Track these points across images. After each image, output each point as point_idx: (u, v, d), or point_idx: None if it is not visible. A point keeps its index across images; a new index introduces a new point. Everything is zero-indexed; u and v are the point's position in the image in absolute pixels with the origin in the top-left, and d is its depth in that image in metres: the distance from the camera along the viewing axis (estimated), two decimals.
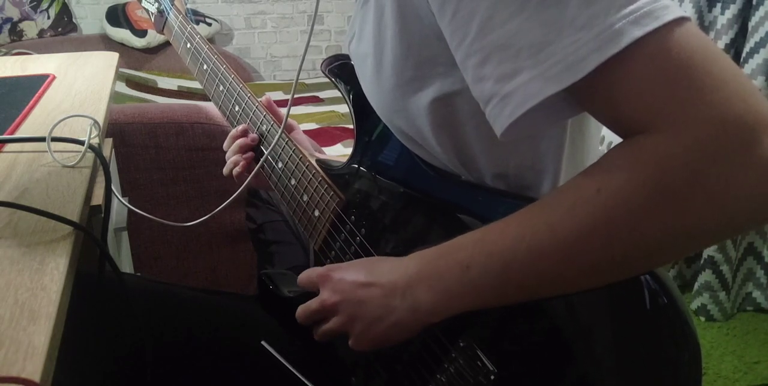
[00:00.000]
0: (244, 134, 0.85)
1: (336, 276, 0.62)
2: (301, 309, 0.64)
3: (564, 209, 0.47)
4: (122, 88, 2.27)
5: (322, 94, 2.60)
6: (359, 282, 0.59)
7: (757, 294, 1.75)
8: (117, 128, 1.31)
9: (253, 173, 0.84)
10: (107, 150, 1.04)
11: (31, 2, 2.47)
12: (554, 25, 0.44)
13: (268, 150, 0.81)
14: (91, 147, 0.69)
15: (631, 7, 0.42)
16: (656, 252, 0.45)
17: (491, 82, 0.47)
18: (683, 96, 0.42)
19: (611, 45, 0.42)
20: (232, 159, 0.85)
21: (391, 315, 0.56)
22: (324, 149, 1.76)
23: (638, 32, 0.42)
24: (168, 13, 0.99)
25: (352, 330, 0.60)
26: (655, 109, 0.43)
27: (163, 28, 1.02)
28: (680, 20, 0.43)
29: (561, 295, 0.50)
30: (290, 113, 0.77)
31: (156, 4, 1.01)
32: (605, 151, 0.47)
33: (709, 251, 1.68)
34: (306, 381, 0.70)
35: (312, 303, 0.63)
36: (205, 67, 0.92)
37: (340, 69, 0.72)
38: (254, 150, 0.85)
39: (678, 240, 0.44)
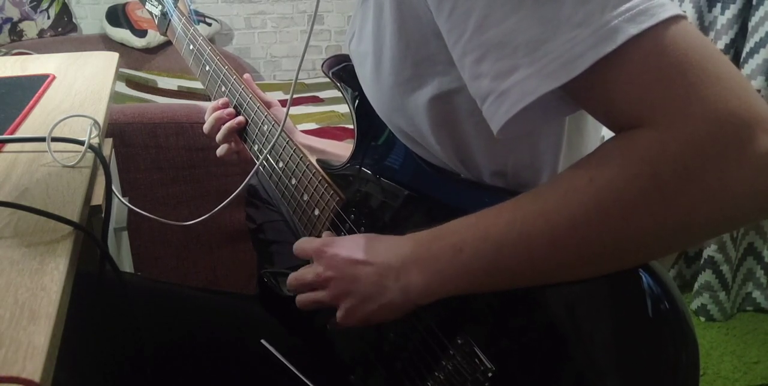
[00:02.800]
0: (224, 106, 0.89)
1: (330, 251, 0.62)
2: (294, 277, 0.65)
3: (557, 197, 0.47)
4: (122, 88, 2.27)
5: (322, 95, 2.59)
6: (354, 259, 0.59)
7: (757, 293, 1.75)
8: (117, 128, 1.31)
9: (252, 173, 0.84)
10: (107, 150, 1.04)
11: (31, 2, 2.47)
12: (551, 22, 0.44)
13: (268, 150, 0.81)
14: (91, 147, 0.69)
15: (627, 5, 0.42)
16: (649, 245, 0.46)
17: (488, 79, 0.47)
18: (678, 93, 0.42)
19: (607, 42, 0.42)
20: (211, 130, 0.92)
21: (383, 295, 0.57)
22: None
23: (634, 30, 0.42)
24: (171, 16, 1.00)
25: (343, 304, 0.60)
26: (649, 105, 0.43)
27: (167, 30, 1.02)
28: (676, 18, 0.43)
29: (554, 283, 0.50)
30: (290, 113, 0.77)
31: (159, 7, 1.02)
32: None
33: (709, 251, 1.68)
34: (306, 380, 0.70)
35: (307, 274, 0.64)
36: (207, 68, 0.93)
37: (340, 69, 0.72)
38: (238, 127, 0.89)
39: (671, 234, 0.44)
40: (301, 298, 0.65)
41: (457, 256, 0.52)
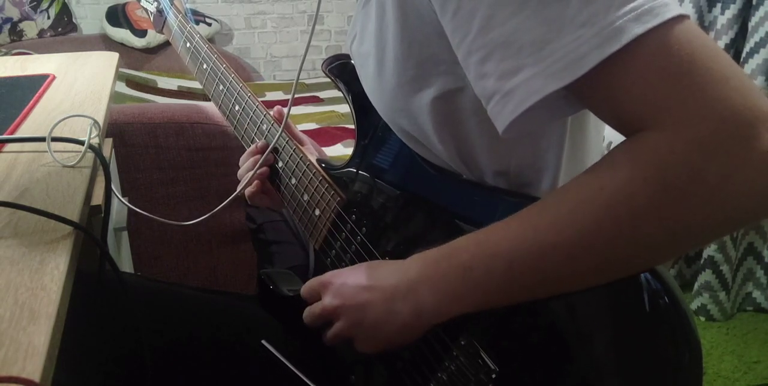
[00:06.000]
0: (262, 151, 0.81)
1: (337, 282, 0.62)
2: (307, 313, 0.65)
3: (567, 208, 0.47)
4: (122, 88, 2.26)
5: (322, 95, 2.59)
6: (360, 286, 0.59)
7: (757, 293, 1.75)
8: (117, 128, 1.31)
9: (252, 173, 0.84)
10: (107, 150, 1.04)
11: (31, 2, 2.47)
12: (555, 22, 0.44)
13: (268, 149, 0.81)
14: (91, 147, 0.69)
15: (632, 5, 0.42)
16: (660, 249, 0.46)
17: (493, 79, 0.47)
18: (683, 93, 0.42)
19: (612, 42, 0.42)
20: (246, 176, 0.82)
21: (395, 318, 0.56)
22: (324, 149, 1.76)
23: (639, 29, 0.42)
24: (167, 13, 0.99)
25: (356, 334, 0.60)
26: (655, 106, 0.43)
27: (162, 27, 1.02)
28: (680, 18, 0.43)
29: (565, 293, 0.50)
30: (290, 113, 0.77)
31: (155, 4, 1.01)
32: (606, 151, 0.47)
33: (709, 251, 1.68)
34: (306, 380, 0.70)
35: (315, 308, 0.63)
36: (204, 66, 0.92)
37: (341, 69, 0.72)
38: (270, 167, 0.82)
39: (681, 236, 0.44)
40: (326, 339, 0.64)
41: (467, 275, 0.52)
